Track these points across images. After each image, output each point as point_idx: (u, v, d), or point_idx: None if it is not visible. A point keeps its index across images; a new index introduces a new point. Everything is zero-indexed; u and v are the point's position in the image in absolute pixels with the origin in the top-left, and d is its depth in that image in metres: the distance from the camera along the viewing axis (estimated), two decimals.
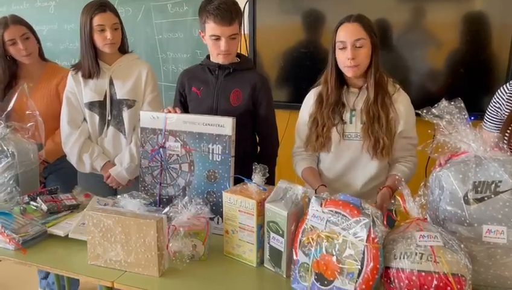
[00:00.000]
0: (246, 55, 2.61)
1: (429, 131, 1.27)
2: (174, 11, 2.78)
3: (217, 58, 1.74)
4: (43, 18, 3.10)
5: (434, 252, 1.03)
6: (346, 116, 1.62)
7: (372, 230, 1.05)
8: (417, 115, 1.37)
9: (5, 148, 1.70)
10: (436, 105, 1.23)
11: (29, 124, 1.79)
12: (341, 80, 1.62)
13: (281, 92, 2.64)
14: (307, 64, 2.55)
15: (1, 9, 3.22)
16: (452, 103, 1.22)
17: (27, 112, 1.84)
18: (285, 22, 2.54)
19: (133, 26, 2.66)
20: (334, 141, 1.63)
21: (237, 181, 1.54)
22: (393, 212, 1.13)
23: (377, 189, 1.59)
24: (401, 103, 1.58)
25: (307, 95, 1.74)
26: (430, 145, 1.24)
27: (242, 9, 2.53)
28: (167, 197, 1.67)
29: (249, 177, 1.40)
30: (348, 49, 1.52)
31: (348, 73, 1.57)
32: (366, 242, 1.05)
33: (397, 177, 1.47)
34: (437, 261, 1.02)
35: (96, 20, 1.83)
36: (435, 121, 1.22)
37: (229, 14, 1.62)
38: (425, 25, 2.29)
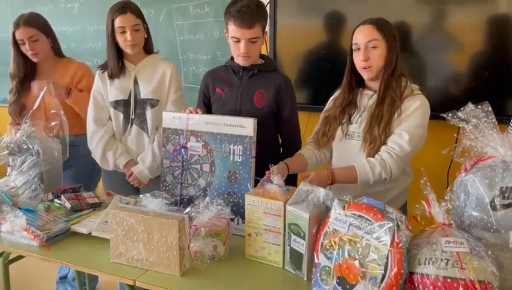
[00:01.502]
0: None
1: (454, 135, 1.25)
2: (195, 12, 2.80)
3: (237, 60, 1.75)
4: (67, 19, 3.16)
5: (460, 258, 1.01)
6: (355, 117, 1.62)
7: (396, 234, 1.04)
8: (441, 118, 1.35)
9: (31, 146, 1.74)
10: (462, 108, 1.21)
11: (54, 123, 1.84)
12: (359, 82, 1.63)
13: (300, 94, 2.63)
14: (327, 66, 2.53)
15: (26, 10, 3.29)
16: (479, 106, 1.19)
17: (52, 111, 1.88)
18: (306, 23, 2.53)
19: (155, 27, 2.69)
20: (336, 140, 1.65)
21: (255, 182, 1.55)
22: (418, 217, 1.12)
23: (385, 193, 1.58)
24: (412, 104, 1.53)
25: (331, 97, 1.77)
26: (456, 150, 1.21)
27: None
28: (188, 197, 1.68)
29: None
30: (361, 50, 1.53)
31: (364, 75, 1.57)
32: (390, 247, 1.04)
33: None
34: (463, 267, 1.00)
35: (117, 21, 1.86)
36: (460, 125, 1.20)
37: (249, 18, 1.62)
38: (447, 27, 2.25)
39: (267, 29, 2.55)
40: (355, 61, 1.58)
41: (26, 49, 2.11)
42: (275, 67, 1.88)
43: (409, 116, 1.52)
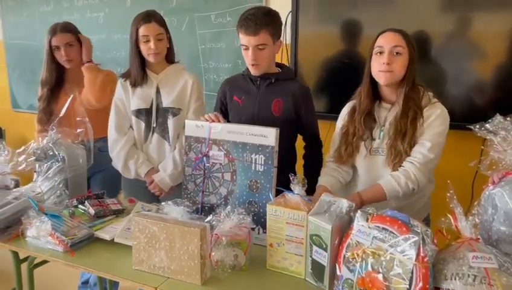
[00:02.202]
0: (287, 64, 2.62)
1: (482, 147, 1.23)
2: (218, 21, 2.83)
3: (250, 69, 1.77)
4: (93, 28, 3.23)
5: (488, 274, 0.99)
6: (376, 132, 1.60)
7: (421, 248, 1.02)
8: (465, 128, 1.32)
9: (57, 152, 1.78)
10: (490, 120, 1.19)
11: (79, 130, 1.87)
12: (375, 94, 1.60)
13: (321, 102, 2.62)
14: (349, 75, 2.50)
15: (53, 19, 3.38)
16: (508, 118, 1.17)
17: (77, 118, 1.92)
18: (328, 32, 2.52)
19: (178, 36, 2.71)
20: (360, 155, 1.62)
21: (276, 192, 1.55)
22: (443, 231, 1.10)
23: (414, 204, 1.56)
24: (432, 113, 1.51)
25: (343, 108, 1.74)
26: (483, 162, 1.19)
27: (284, 19, 2.57)
28: (209, 205, 1.69)
29: (288, 187, 1.40)
30: (385, 53, 1.51)
31: (381, 79, 1.53)
32: (416, 261, 1.02)
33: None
34: (491, 284, 0.97)
35: (142, 30, 1.89)
36: (488, 137, 1.18)
37: (253, 24, 1.64)
38: (471, 35, 2.21)
39: (289, 37, 2.58)
40: (373, 65, 1.55)
41: (61, 55, 2.17)
42: (292, 76, 1.89)
43: (429, 125, 1.51)
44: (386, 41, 1.52)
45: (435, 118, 1.51)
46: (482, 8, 2.16)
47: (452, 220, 1.10)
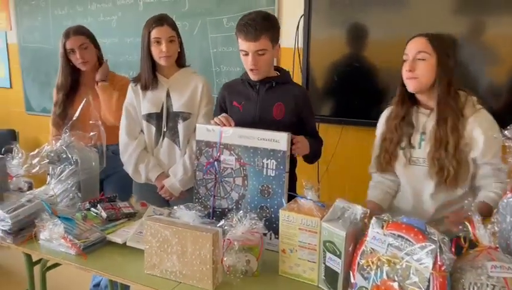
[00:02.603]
0: (299, 68, 2.61)
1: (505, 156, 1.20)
2: (229, 25, 2.83)
3: (249, 74, 1.75)
4: (106, 31, 3.26)
5: (508, 284, 0.96)
6: (415, 139, 1.56)
7: (439, 257, 1.00)
8: None
9: (70, 155, 1.79)
10: (508, 127, 1.16)
11: (92, 133, 1.88)
12: (412, 99, 1.58)
13: (333, 106, 2.61)
14: (361, 79, 2.50)
15: (67, 23, 3.42)
16: None
17: (90, 122, 1.93)
18: (340, 35, 2.51)
19: (190, 40, 2.74)
20: (400, 164, 1.58)
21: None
22: (462, 239, 1.07)
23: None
24: (479, 125, 1.47)
25: (382, 113, 1.72)
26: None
27: (296, 23, 2.56)
28: (220, 209, 1.68)
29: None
30: (409, 60, 1.50)
31: (409, 86, 1.52)
32: (432, 269, 1.00)
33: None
34: None
35: (154, 33, 1.90)
36: (507, 144, 1.15)
37: (253, 30, 1.63)
38: (483, 39, 2.18)
39: (301, 41, 2.57)
40: (403, 72, 1.54)
41: (76, 58, 2.18)
42: (290, 79, 1.89)
43: (485, 139, 1.46)
44: (411, 48, 1.51)
45: (489, 130, 1.46)
46: (494, 10, 2.13)
47: (470, 228, 1.07)
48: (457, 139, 1.46)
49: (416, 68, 1.48)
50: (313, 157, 1.81)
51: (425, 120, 1.55)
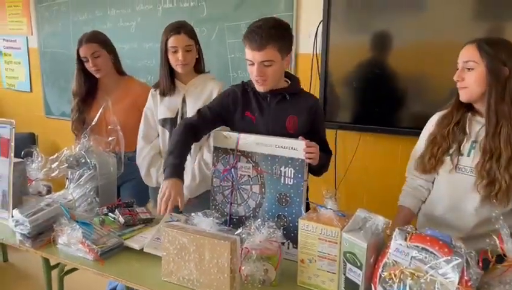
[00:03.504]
0: (318, 74, 2.59)
1: None
2: None
3: (255, 85, 1.64)
4: (125, 37, 3.29)
5: None
6: (465, 146, 1.48)
7: (465, 272, 0.97)
8: None
9: (88, 160, 1.80)
10: None
11: (111, 138, 1.89)
12: (469, 105, 1.50)
13: (352, 113, 2.58)
14: (381, 86, 2.47)
15: (87, 28, 3.47)
16: None
17: (109, 127, 1.95)
18: (359, 41, 2.48)
19: (207, 45, 2.74)
20: (445, 169, 1.51)
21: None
22: (489, 253, 1.04)
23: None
24: None
25: (432, 117, 1.65)
26: None
27: (315, 29, 2.54)
28: (237, 217, 1.67)
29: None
30: (458, 70, 1.45)
31: (460, 96, 1.46)
32: (459, 284, 0.97)
33: None
34: None
35: (171, 41, 1.90)
36: None
37: (258, 38, 1.51)
38: None
39: (319, 47, 2.55)
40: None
41: (89, 66, 2.19)
42: (300, 88, 1.77)
43: None
44: (461, 56, 1.45)
45: None
46: None
47: (498, 242, 1.04)
48: (511, 153, 1.36)
49: (466, 78, 1.43)
50: (320, 168, 1.68)
51: (479, 129, 1.47)
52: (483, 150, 1.41)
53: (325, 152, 1.77)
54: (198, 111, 1.72)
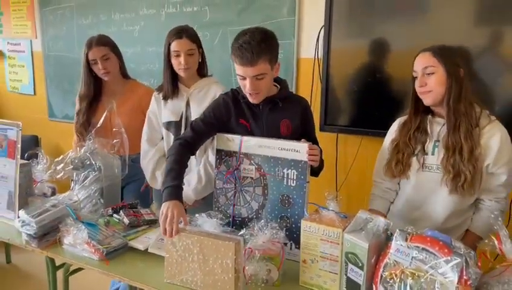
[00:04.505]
0: (319, 79, 2.61)
1: None
2: None
3: (248, 97, 1.65)
4: (128, 41, 3.32)
5: None
6: (429, 146, 1.57)
7: (464, 271, 0.99)
8: None
9: (93, 162, 1.83)
10: None
11: (115, 141, 1.92)
12: (427, 109, 1.60)
13: (352, 117, 2.60)
14: (381, 90, 2.49)
15: (91, 32, 3.50)
16: None
17: (114, 129, 1.97)
18: (360, 47, 2.51)
19: (210, 49, 2.76)
20: (413, 171, 1.59)
21: None
22: (488, 254, 1.06)
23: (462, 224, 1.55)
24: (494, 135, 1.49)
25: (393, 123, 1.73)
26: None
27: (317, 34, 2.57)
28: (240, 219, 1.69)
29: None
30: (418, 77, 1.53)
31: (424, 101, 1.55)
32: (458, 284, 0.99)
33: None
34: None
35: (173, 46, 1.92)
36: None
37: (249, 54, 1.50)
38: (505, 50, 2.15)
39: (321, 51, 2.58)
40: (416, 88, 1.56)
41: (98, 68, 2.20)
42: (289, 92, 1.78)
43: (499, 150, 1.48)
44: (417, 64, 1.54)
45: (504, 142, 1.49)
46: None
47: (496, 243, 1.06)
48: (471, 145, 1.46)
49: (428, 83, 1.51)
50: (319, 169, 1.68)
51: (440, 129, 1.56)
52: (446, 147, 1.50)
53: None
54: (191, 126, 1.71)
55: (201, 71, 2.06)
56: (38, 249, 1.60)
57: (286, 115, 1.71)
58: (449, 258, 1.02)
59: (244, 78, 1.58)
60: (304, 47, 2.71)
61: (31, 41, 4.07)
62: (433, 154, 1.56)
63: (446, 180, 1.50)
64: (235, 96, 1.74)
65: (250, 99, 1.65)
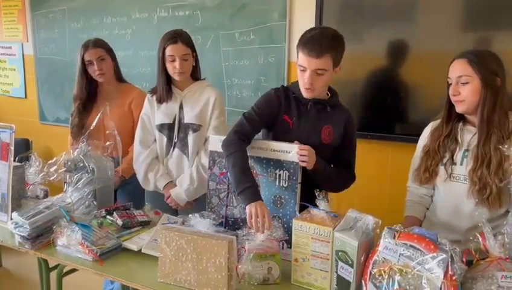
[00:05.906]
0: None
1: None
2: (242, 39, 2.89)
3: (302, 91, 1.64)
4: (120, 44, 3.33)
5: None
6: (458, 155, 1.53)
7: (450, 267, 1.02)
8: None
9: (86, 164, 1.84)
10: None
11: (108, 143, 1.93)
12: (460, 116, 1.55)
13: (360, 122, 2.57)
14: (372, 94, 2.54)
15: (83, 35, 3.50)
16: None
17: (107, 132, 1.99)
18: (350, 51, 2.53)
19: (202, 53, 2.79)
20: (440, 180, 1.56)
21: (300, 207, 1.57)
22: (473, 250, 1.10)
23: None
24: None
25: (426, 127, 1.69)
26: None
27: None
28: (233, 219, 1.71)
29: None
30: (452, 85, 1.49)
31: (457, 108, 1.51)
32: (444, 279, 1.02)
33: None
34: None
35: (168, 50, 1.94)
36: None
37: (318, 46, 1.52)
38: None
39: None
40: (449, 95, 1.52)
41: (94, 69, 2.22)
42: (339, 101, 1.77)
43: None
44: (452, 72, 1.49)
45: None
46: (502, 27, 2.16)
47: (480, 239, 1.10)
48: (500, 158, 1.41)
49: (461, 92, 1.46)
50: (322, 179, 1.63)
51: (471, 137, 1.51)
52: (475, 158, 1.46)
53: (346, 171, 1.75)
54: (246, 118, 1.67)
55: (195, 75, 2.08)
56: (31, 250, 1.60)
57: (331, 121, 1.69)
58: (435, 254, 1.05)
59: (304, 70, 1.58)
60: (295, 51, 2.73)
61: (22, 44, 4.06)
62: (461, 164, 1.52)
63: (472, 192, 1.46)
64: (286, 91, 1.73)
65: (304, 93, 1.63)
